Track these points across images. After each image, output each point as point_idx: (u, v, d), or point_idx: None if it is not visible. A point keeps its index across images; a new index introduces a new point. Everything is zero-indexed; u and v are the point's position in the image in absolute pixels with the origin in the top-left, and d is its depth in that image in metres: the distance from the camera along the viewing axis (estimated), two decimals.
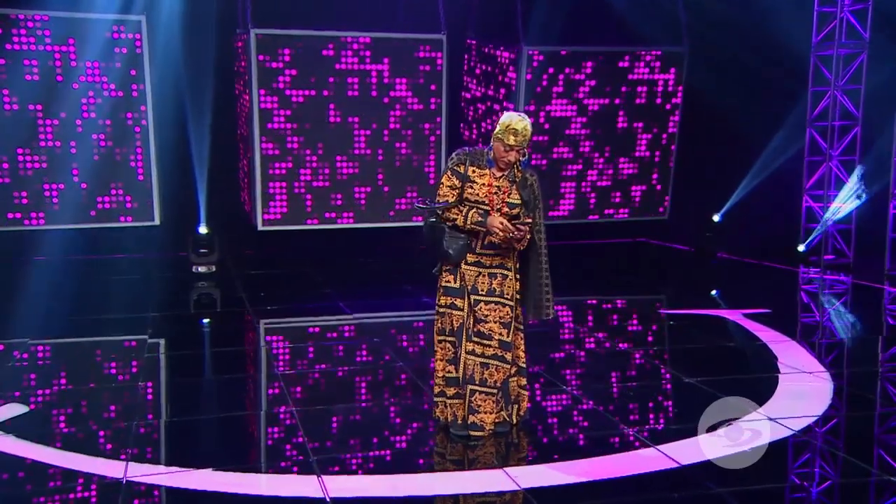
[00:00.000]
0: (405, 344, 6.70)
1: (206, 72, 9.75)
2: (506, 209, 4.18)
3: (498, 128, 4.12)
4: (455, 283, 4.27)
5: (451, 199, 4.20)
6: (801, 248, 10.13)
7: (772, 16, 9.52)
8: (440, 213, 4.22)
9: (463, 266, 4.26)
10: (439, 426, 4.49)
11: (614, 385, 5.55)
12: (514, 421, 4.48)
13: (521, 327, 4.42)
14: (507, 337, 4.28)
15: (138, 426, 4.62)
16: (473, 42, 11.28)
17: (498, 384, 4.30)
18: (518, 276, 4.34)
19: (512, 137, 4.08)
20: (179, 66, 9.67)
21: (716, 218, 10.83)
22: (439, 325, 4.36)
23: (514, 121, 4.10)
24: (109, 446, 4.40)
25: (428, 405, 4.86)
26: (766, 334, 6.52)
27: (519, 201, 4.21)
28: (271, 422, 4.82)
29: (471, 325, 4.25)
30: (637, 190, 11.68)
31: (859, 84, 9.75)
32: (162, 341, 6.65)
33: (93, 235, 9.91)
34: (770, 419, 4.60)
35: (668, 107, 11.47)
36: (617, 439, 4.48)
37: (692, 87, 11.21)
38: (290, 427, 4.65)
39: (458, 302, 4.26)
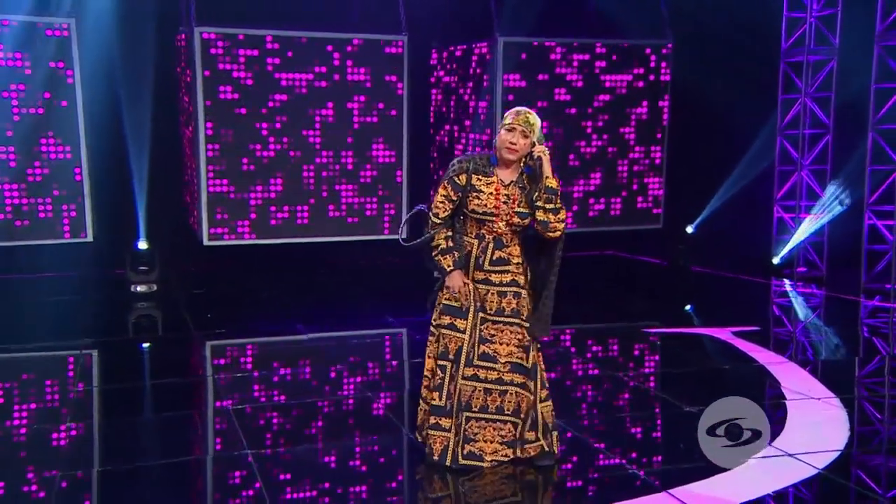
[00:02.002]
0: (373, 370, 6.06)
1: (144, 71, 8.89)
2: (515, 219, 3.79)
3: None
4: (457, 301, 3.81)
5: (441, 214, 3.82)
6: (775, 260, 9.84)
7: (755, 17, 9.20)
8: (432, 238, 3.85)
9: (471, 283, 3.83)
10: (426, 464, 3.90)
11: (608, 416, 5.02)
12: (555, 450, 4.01)
13: (540, 348, 3.98)
14: (527, 361, 3.83)
15: (63, 478, 3.91)
16: (439, 49, 10.67)
17: (507, 411, 3.81)
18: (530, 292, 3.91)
19: (511, 117, 3.74)
20: (115, 64, 8.79)
21: (689, 229, 10.43)
22: (435, 346, 3.87)
23: (515, 108, 3.82)
24: None
25: (397, 449, 4.28)
26: (761, 355, 6.07)
27: (529, 212, 3.80)
28: (222, 469, 4.16)
29: (474, 348, 3.78)
30: (627, 196, 10.66)
31: (830, 91, 9.53)
32: (94, 372, 5.89)
33: (13, 252, 8.80)
34: (789, 455, 4.12)
35: (658, 104, 10.53)
36: (622, 483, 3.94)
37: (677, 85, 10.47)
38: (244, 475, 4.00)
39: (460, 323, 3.79)
